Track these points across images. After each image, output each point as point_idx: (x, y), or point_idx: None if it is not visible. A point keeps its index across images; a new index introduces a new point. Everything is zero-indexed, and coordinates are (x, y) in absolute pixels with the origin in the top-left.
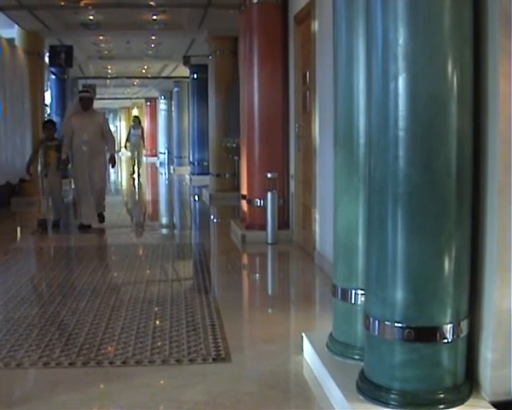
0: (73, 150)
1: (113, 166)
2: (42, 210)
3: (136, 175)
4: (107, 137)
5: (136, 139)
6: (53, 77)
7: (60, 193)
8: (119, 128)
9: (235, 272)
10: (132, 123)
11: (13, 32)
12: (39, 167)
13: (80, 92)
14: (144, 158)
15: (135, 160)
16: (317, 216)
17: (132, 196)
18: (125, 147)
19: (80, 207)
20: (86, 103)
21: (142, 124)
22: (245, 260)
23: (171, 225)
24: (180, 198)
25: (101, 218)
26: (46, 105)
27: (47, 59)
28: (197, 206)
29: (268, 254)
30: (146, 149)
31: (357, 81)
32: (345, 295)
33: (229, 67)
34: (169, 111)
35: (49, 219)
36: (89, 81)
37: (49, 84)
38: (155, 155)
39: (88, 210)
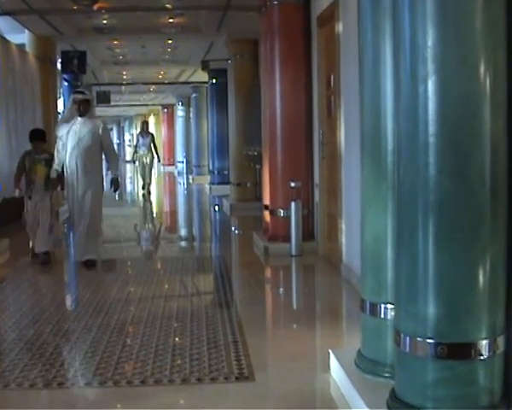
0: (65, 167)
1: (115, 190)
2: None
3: (145, 191)
4: (109, 153)
5: (146, 150)
6: (65, 84)
7: (49, 219)
8: (135, 137)
9: (258, 286)
10: (139, 130)
11: (23, 37)
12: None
13: (74, 93)
14: (161, 167)
15: (145, 175)
16: (344, 226)
17: (150, 206)
18: (133, 160)
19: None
20: (81, 108)
21: (159, 132)
22: (268, 273)
23: (190, 238)
24: (199, 209)
25: (91, 263)
26: (59, 113)
27: (59, 65)
28: (217, 217)
29: (292, 267)
30: (160, 159)
31: (384, 85)
32: (374, 310)
33: (250, 71)
34: (187, 118)
35: (40, 252)
36: (103, 88)
37: (61, 91)
38: (173, 165)
39: (82, 244)
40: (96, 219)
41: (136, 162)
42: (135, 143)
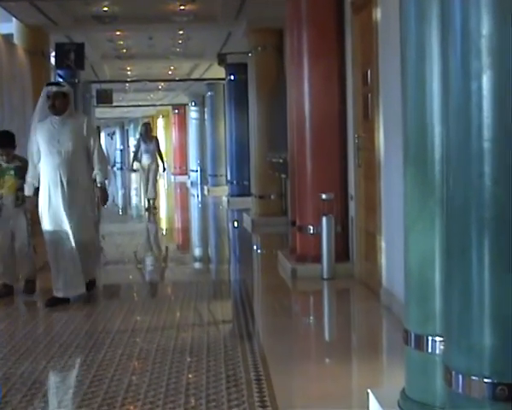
0: (41, 179)
1: (104, 204)
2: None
3: (150, 208)
4: (96, 158)
5: (149, 158)
6: (60, 81)
7: (24, 239)
8: (134, 142)
9: (285, 314)
10: (140, 133)
11: (10, 26)
12: None
13: (46, 85)
14: (172, 177)
15: (149, 188)
16: (384, 245)
17: (157, 223)
18: (132, 169)
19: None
20: (56, 103)
21: (169, 136)
22: (296, 299)
23: (205, 258)
24: (216, 225)
25: (92, 284)
26: None
27: (53, 60)
28: (237, 234)
29: (324, 292)
30: (165, 168)
31: (430, 81)
32: (419, 343)
33: (274, 65)
34: (201, 120)
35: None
36: (104, 86)
37: None
38: (185, 174)
39: (62, 277)
40: (91, 241)
41: (138, 172)
42: (133, 148)
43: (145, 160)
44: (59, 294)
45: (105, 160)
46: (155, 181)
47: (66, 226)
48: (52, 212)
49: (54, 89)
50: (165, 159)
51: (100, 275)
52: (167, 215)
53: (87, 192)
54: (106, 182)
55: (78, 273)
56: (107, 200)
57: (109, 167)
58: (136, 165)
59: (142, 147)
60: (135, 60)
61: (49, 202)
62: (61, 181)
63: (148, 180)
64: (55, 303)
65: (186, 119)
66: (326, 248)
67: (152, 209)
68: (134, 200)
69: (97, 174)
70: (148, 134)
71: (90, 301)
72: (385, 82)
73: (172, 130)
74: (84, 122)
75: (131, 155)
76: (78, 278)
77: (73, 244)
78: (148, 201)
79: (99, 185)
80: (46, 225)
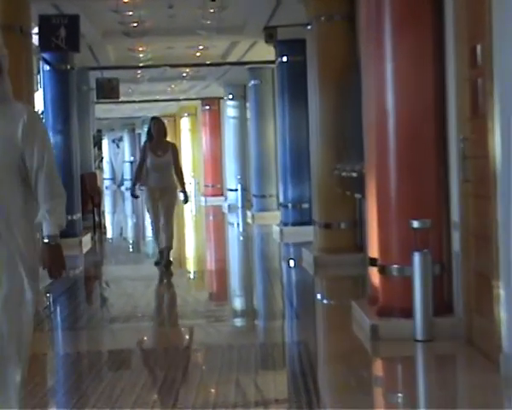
0: None
1: (54, 276)
2: None
3: (162, 262)
4: (43, 187)
5: (160, 179)
6: (46, 68)
7: None
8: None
9: (363, 392)
10: (147, 138)
11: None
12: None
13: None
14: (202, 199)
15: (159, 228)
16: (503, 293)
17: (183, 259)
18: (134, 195)
19: None
20: None
21: (197, 142)
22: (378, 369)
23: (250, 312)
24: (264, 265)
25: None
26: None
27: (36, 39)
28: (293, 278)
29: (418, 360)
30: (187, 198)
31: None
32: None
33: (342, 42)
34: (242, 119)
35: None
36: (107, 74)
37: (39, 79)
38: (221, 194)
39: None
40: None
41: (143, 198)
42: (138, 161)
43: (154, 181)
44: None
45: (59, 190)
46: (171, 218)
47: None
48: None
49: None
50: (186, 181)
51: (104, 337)
52: (196, 253)
53: (25, 250)
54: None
55: None
56: (60, 270)
57: (64, 201)
58: (138, 191)
59: (150, 160)
60: (149, 37)
61: None
62: None
63: (157, 216)
64: None
65: (221, 118)
66: (420, 296)
67: (164, 265)
68: (149, 232)
69: (44, 219)
70: (158, 138)
71: None
72: (502, 62)
73: (202, 133)
74: (24, 116)
75: (126, 172)
76: None
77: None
78: (161, 252)
79: (46, 241)
80: None
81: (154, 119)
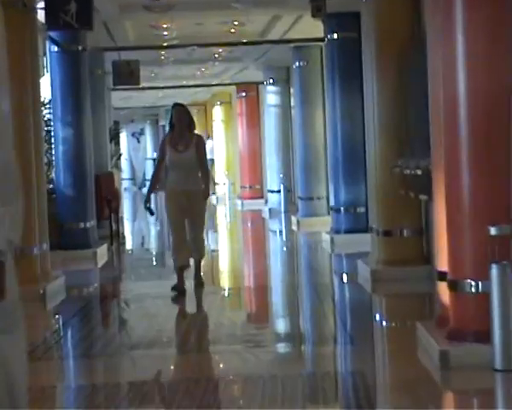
0: None
1: None
2: None
3: (193, 282)
4: None
5: (185, 181)
6: (54, 49)
7: None
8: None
9: None
10: (169, 127)
11: None
12: None
13: None
14: (238, 202)
15: (181, 240)
16: None
17: (216, 273)
18: (148, 207)
19: None
20: None
21: (231, 135)
22: (449, 404)
23: (296, 336)
24: (312, 281)
25: None
26: (43, 104)
27: (42, 14)
28: (347, 294)
29: (496, 393)
30: (214, 193)
31: None
32: None
33: (404, 15)
34: (285, 107)
35: None
36: (125, 55)
37: (46, 61)
38: (260, 197)
39: None
40: None
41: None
42: (156, 157)
43: (174, 183)
44: None
45: (12, 194)
46: (201, 229)
47: None
48: None
49: None
50: (215, 181)
51: (124, 366)
52: (231, 266)
53: None
54: None
55: None
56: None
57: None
58: (149, 202)
59: (169, 156)
60: (175, 12)
61: None
62: None
63: (179, 227)
64: None
65: (260, 106)
66: (499, 317)
67: (194, 285)
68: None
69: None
70: (180, 129)
71: None
72: None
73: (237, 125)
74: None
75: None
76: None
77: None
78: (180, 271)
79: None
80: None
81: (175, 105)
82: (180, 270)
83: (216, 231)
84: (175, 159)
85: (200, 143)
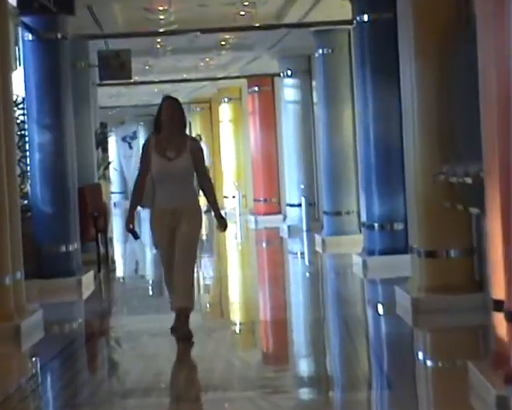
0: None
1: None
2: None
3: (179, 332)
4: None
5: (174, 192)
6: (29, 37)
7: None
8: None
9: None
10: (154, 126)
11: None
12: None
13: None
14: (251, 219)
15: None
16: None
17: (226, 305)
18: (131, 231)
19: None
20: None
21: (240, 137)
22: None
23: (322, 380)
24: (341, 312)
25: None
26: (16, 103)
27: None
28: (383, 329)
29: None
30: (225, 224)
31: None
32: None
33: None
34: (306, 104)
35: None
36: (113, 44)
37: (19, 52)
38: (277, 212)
39: None
40: None
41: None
42: (139, 168)
43: (163, 200)
44: None
45: None
46: (190, 257)
47: None
48: None
49: None
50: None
51: None
52: (244, 296)
53: None
54: None
55: None
56: None
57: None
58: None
59: (154, 165)
60: None
61: None
62: None
63: (171, 255)
64: None
65: (276, 103)
66: None
67: (180, 336)
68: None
69: None
70: (170, 129)
71: None
72: None
73: (249, 126)
74: None
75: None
76: None
77: None
78: (178, 316)
79: None
80: None
81: (166, 98)
82: (180, 312)
83: (224, 253)
84: (163, 169)
85: (195, 148)
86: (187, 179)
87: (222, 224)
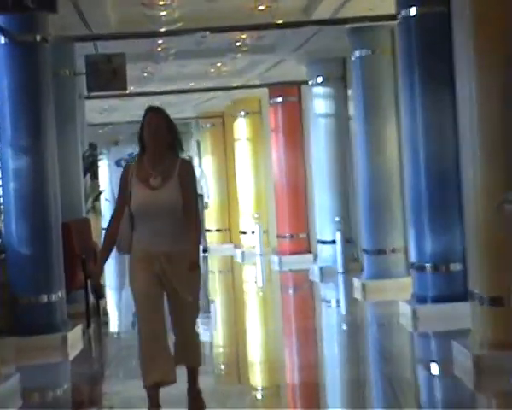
0: None
1: None
2: None
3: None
4: None
5: (160, 232)
6: (1, 40)
7: None
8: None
9: None
10: (139, 146)
11: None
12: None
13: None
14: (275, 260)
15: (158, 334)
16: None
17: (244, 365)
18: (97, 282)
19: None
20: None
21: (261, 158)
22: None
23: None
24: (386, 372)
25: None
26: None
27: None
28: (438, 393)
29: None
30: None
31: None
32: None
33: None
34: (341, 117)
35: None
36: (103, 47)
37: None
38: (307, 251)
39: None
40: None
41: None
42: (116, 201)
43: (145, 242)
44: None
45: None
46: (193, 320)
47: None
48: None
49: None
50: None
51: None
52: (266, 355)
53: None
54: None
55: None
56: None
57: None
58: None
59: (134, 197)
60: None
61: None
62: None
63: (156, 315)
64: None
65: (303, 116)
66: None
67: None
68: None
69: None
70: (155, 149)
71: None
72: None
73: (271, 145)
74: None
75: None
76: None
77: None
78: (152, 391)
79: None
80: None
81: (147, 111)
82: (153, 389)
83: (242, 302)
84: (145, 200)
85: (186, 173)
86: (175, 214)
87: (193, 256)
